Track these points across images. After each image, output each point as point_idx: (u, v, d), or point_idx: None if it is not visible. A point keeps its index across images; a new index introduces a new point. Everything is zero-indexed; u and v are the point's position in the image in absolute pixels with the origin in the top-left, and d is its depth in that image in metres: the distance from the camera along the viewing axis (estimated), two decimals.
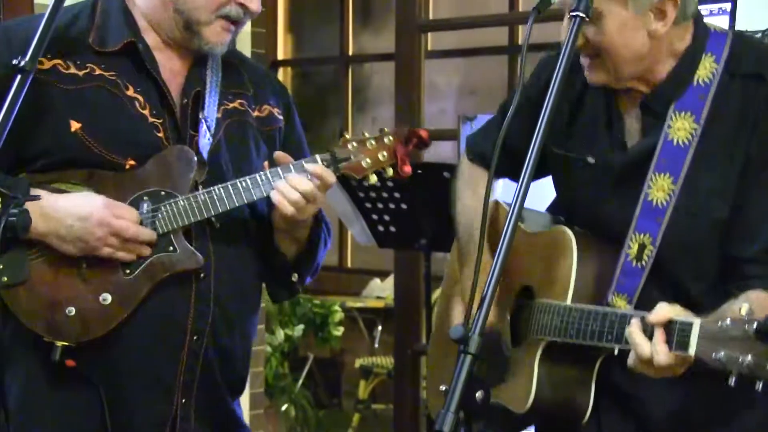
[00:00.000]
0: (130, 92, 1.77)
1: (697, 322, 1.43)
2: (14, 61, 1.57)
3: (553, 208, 1.93)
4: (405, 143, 1.82)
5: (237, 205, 1.75)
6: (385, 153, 1.81)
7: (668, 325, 1.47)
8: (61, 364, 1.71)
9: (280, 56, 5.94)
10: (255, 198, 1.76)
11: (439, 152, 4.42)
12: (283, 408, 5.06)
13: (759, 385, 1.37)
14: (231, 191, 1.75)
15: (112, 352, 1.73)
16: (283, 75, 6.11)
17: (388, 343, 5.44)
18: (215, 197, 1.75)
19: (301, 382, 5.46)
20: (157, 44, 1.81)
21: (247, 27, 5.47)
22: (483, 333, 1.35)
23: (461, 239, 1.96)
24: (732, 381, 1.38)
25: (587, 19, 1.54)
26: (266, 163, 1.84)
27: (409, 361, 4.06)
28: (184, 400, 1.78)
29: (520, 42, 4.62)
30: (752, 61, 1.70)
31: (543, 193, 1.89)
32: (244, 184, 1.75)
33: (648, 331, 1.49)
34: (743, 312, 1.37)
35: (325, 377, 6.02)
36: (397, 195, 3.09)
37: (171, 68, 1.82)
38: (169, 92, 1.80)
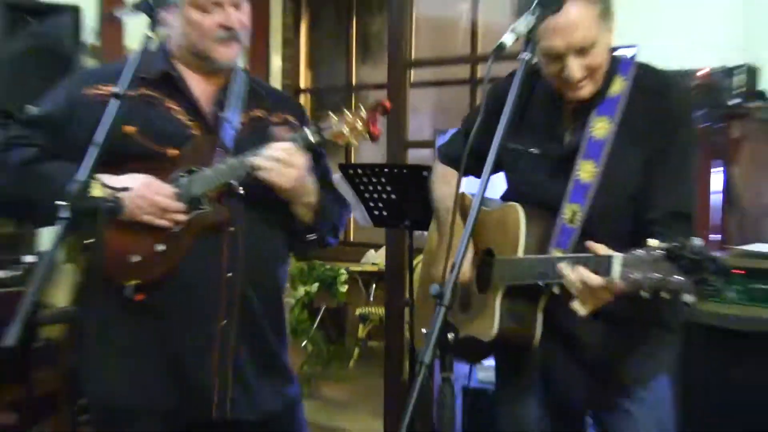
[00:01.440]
0: (169, 105, 1.78)
1: (618, 254, 1.43)
2: (113, 90, 1.58)
3: (504, 197, 1.93)
4: (374, 112, 1.77)
5: (251, 171, 1.72)
6: (359, 121, 1.75)
7: (597, 259, 1.46)
8: (131, 301, 1.70)
9: (302, 86, 5.91)
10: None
11: (419, 157, 4.41)
12: (303, 344, 5.06)
13: (665, 294, 1.37)
14: (242, 162, 1.72)
15: (170, 288, 1.71)
16: (304, 99, 6.07)
17: (381, 297, 5.42)
18: (231, 167, 1.73)
19: (315, 325, 5.45)
20: (189, 72, 1.80)
21: (278, 64, 5.43)
22: (454, 290, 1.35)
23: (440, 218, 1.96)
24: (645, 293, 1.38)
25: (565, 53, 1.59)
26: None
27: (396, 310, 4.06)
28: (225, 322, 1.74)
29: (479, 75, 4.60)
30: (654, 81, 1.72)
31: (496, 187, 1.89)
32: (251, 157, 1.72)
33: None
34: (650, 243, 1.37)
35: (334, 322, 6.00)
36: (388, 187, 3.06)
37: (201, 88, 1.81)
38: (199, 103, 1.79)
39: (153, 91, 1.78)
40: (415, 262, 3.38)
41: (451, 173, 1.94)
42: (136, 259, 1.70)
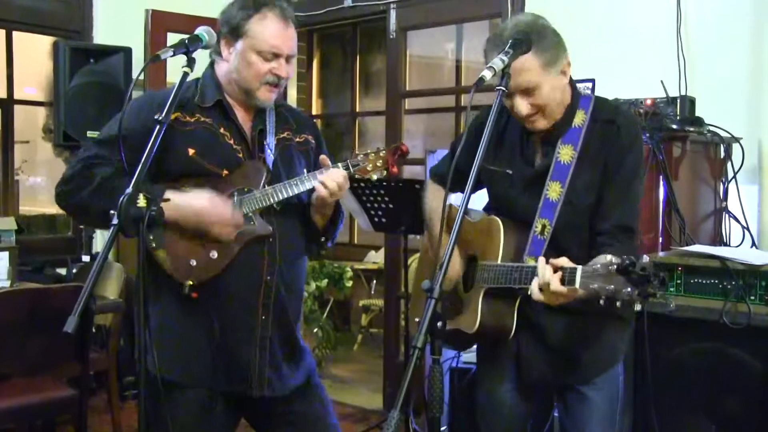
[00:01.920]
0: (221, 130, 1.79)
1: (579, 267, 1.44)
2: (156, 117, 1.58)
3: (486, 209, 1.93)
4: (393, 154, 1.84)
5: (290, 195, 1.76)
6: (380, 161, 1.82)
7: (562, 270, 1.46)
8: (188, 297, 1.71)
9: (314, 112, 5.91)
10: (299, 191, 1.77)
11: (413, 172, 4.42)
12: (315, 331, 5.05)
13: (618, 303, 1.38)
14: (287, 186, 1.76)
15: (219, 287, 1.74)
16: None
17: (380, 291, 5.42)
18: (276, 190, 1.76)
19: (325, 314, 5.44)
20: (234, 102, 1.81)
21: (294, 94, 5.44)
22: (443, 286, 1.36)
23: (431, 227, 1.96)
24: (602, 301, 1.39)
25: (508, 89, 1.55)
26: (305, 170, 1.86)
27: (393, 302, 4.08)
28: (264, 317, 1.77)
29: (462, 104, 4.61)
30: (607, 112, 1.73)
31: (479, 201, 1.91)
32: (294, 182, 1.77)
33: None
34: (607, 260, 1.38)
35: (341, 312, 6.00)
36: (387, 198, 3.07)
37: (243, 116, 1.82)
38: (244, 130, 1.80)
39: (207, 117, 1.78)
40: (409, 261, 3.40)
41: (440, 189, 1.96)
42: (193, 263, 1.72)
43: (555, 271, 1.47)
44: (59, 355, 2.81)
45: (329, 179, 1.74)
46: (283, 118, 1.89)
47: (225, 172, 1.76)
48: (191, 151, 1.74)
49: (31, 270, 3.70)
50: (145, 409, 1.54)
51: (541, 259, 1.51)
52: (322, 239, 1.89)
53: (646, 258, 1.35)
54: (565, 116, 1.70)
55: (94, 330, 3.31)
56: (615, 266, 1.35)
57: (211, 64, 1.83)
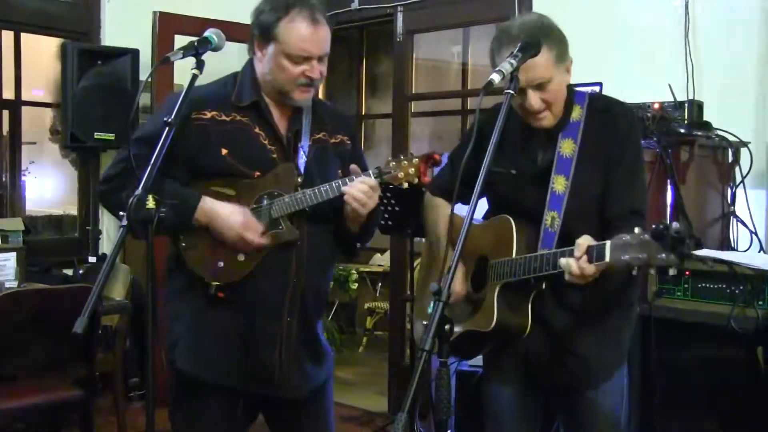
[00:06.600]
0: (257, 130, 1.79)
1: (608, 242, 1.44)
2: (164, 119, 1.58)
3: (486, 216, 1.93)
4: (426, 162, 1.80)
5: (320, 201, 1.75)
6: (412, 169, 1.79)
7: (589, 249, 1.46)
8: (215, 296, 1.73)
9: None
10: (330, 197, 1.75)
11: None
12: None
13: (652, 270, 1.37)
14: (316, 192, 1.75)
15: (246, 289, 1.75)
16: None
17: (386, 293, 5.43)
18: (307, 196, 1.75)
19: (330, 317, 5.45)
20: (270, 102, 1.81)
21: None
22: (449, 288, 1.36)
23: (431, 239, 1.97)
24: (634, 272, 1.38)
25: (516, 92, 1.57)
26: (340, 171, 1.84)
27: (398, 304, 4.07)
28: (289, 319, 1.78)
29: (469, 107, 4.61)
30: (602, 104, 1.78)
31: (478, 210, 1.90)
32: (324, 188, 1.76)
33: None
34: (636, 231, 1.38)
35: (346, 314, 6.01)
36: (393, 201, 3.09)
37: (279, 116, 1.82)
38: (279, 131, 1.80)
39: (243, 116, 1.78)
40: (414, 264, 3.40)
41: (440, 201, 1.96)
42: (221, 264, 1.73)
43: (580, 257, 1.48)
44: (66, 356, 2.82)
45: (356, 190, 1.72)
46: (319, 117, 1.86)
47: (257, 173, 1.76)
48: (224, 151, 1.74)
49: (38, 271, 3.71)
50: (152, 412, 1.54)
51: (563, 260, 1.51)
52: (357, 245, 1.90)
53: (676, 223, 1.36)
54: (563, 114, 1.74)
55: (99, 331, 3.32)
56: (648, 234, 1.35)
57: (250, 61, 1.82)
